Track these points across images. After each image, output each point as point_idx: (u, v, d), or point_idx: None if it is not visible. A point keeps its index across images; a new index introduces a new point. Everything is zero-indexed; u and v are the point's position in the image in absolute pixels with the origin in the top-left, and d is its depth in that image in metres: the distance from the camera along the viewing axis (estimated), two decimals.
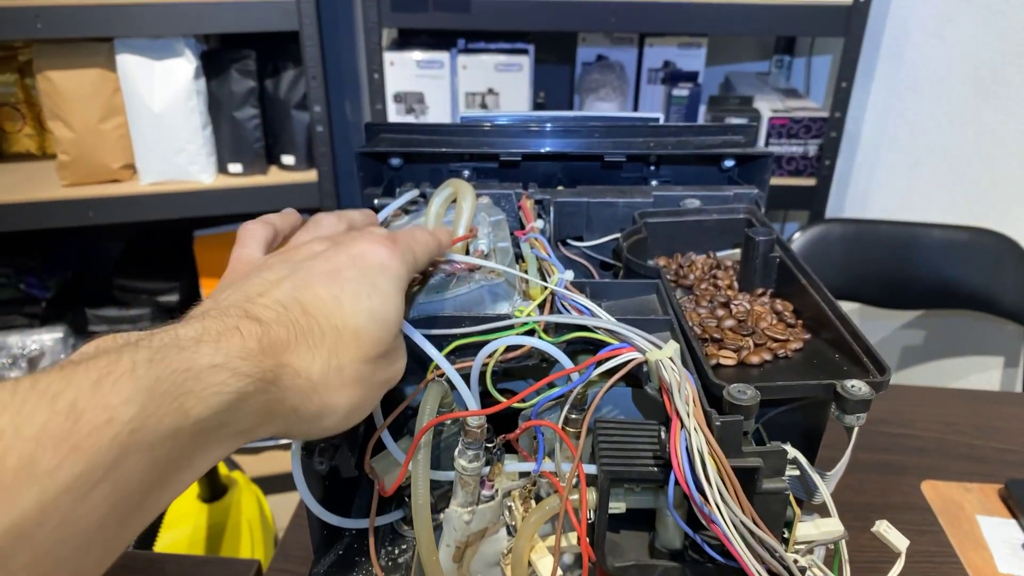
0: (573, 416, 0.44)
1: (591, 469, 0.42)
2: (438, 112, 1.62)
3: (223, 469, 1.36)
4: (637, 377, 0.45)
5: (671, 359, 0.41)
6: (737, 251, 0.61)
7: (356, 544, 0.46)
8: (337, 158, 1.71)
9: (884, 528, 0.41)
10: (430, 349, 0.42)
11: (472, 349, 0.45)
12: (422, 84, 1.62)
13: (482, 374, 0.45)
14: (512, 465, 0.45)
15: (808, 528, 0.42)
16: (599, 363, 0.43)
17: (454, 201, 0.56)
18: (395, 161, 0.64)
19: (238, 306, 0.35)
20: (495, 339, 0.44)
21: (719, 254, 0.61)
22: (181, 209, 1.63)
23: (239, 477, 1.37)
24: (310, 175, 1.67)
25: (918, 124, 1.63)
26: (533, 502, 0.45)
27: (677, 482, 0.38)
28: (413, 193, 0.59)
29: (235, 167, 1.65)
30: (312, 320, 0.35)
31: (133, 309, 1.87)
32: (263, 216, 0.47)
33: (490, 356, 0.44)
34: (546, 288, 0.48)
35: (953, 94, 1.57)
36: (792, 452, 0.43)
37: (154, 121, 1.56)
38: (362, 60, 1.85)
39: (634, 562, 0.43)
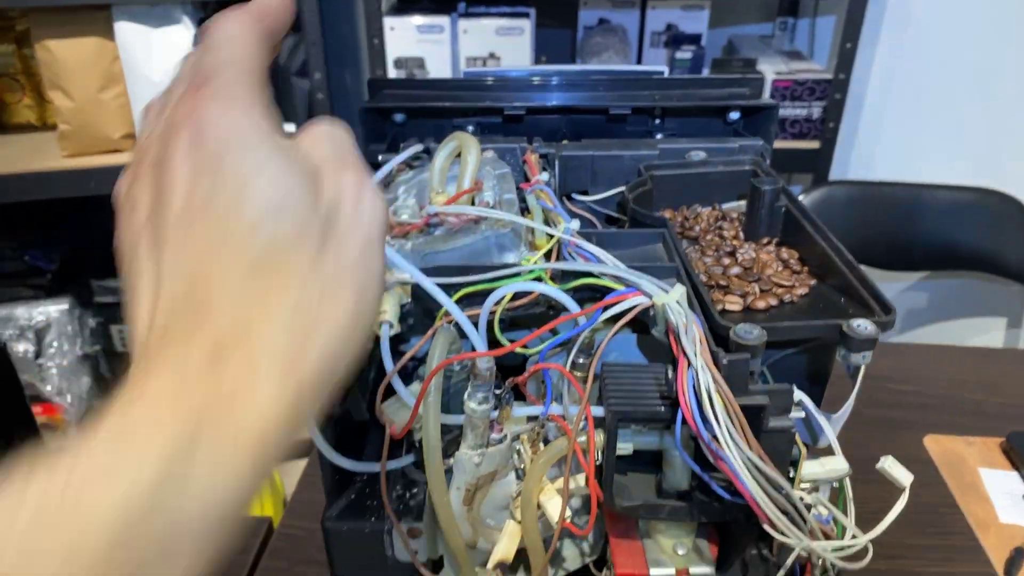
0: (580, 360, 0.44)
1: (598, 411, 0.43)
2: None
3: None
4: (643, 323, 0.46)
5: (678, 303, 0.42)
6: (742, 203, 0.61)
7: (368, 489, 0.46)
8: None
9: (889, 464, 0.41)
10: (439, 294, 0.42)
11: (479, 298, 0.45)
12: (423, 49, 1.61)
13: (490, 323, 0.45)
14: (520, 410, 0.45)
15: (813, 467, 0.42)
16: (606, 308, 0.43)
17: (458, 156, 0.56)
18: (399, 117, 0.64)
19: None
20: (502, 286, 0.44)
21: (724, 206, 0.61)
22: None
23: None
24: None
25: (924, 85, 1.62)
26: (542, 445, 0.45)
27: (684, 421, 0.39)
28: (416, 148, 0.59)
29: None
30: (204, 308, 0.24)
31: None
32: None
33: (497, 303, 0.44)
34: (552, 237, 0.48)
35: (959, 55, 1.56)
36: (798, 394, 0.44)
37: (153, 89, 1.51)
38: (361, 26, 1.84)
39: (642, 502, 0.44)
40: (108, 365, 1.97)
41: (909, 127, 1.65)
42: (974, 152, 1.51)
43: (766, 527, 0.41)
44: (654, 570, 0.45)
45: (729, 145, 0.62)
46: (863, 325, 0.40)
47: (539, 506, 0.45)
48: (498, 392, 0.44)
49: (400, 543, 0.45)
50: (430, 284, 0.42)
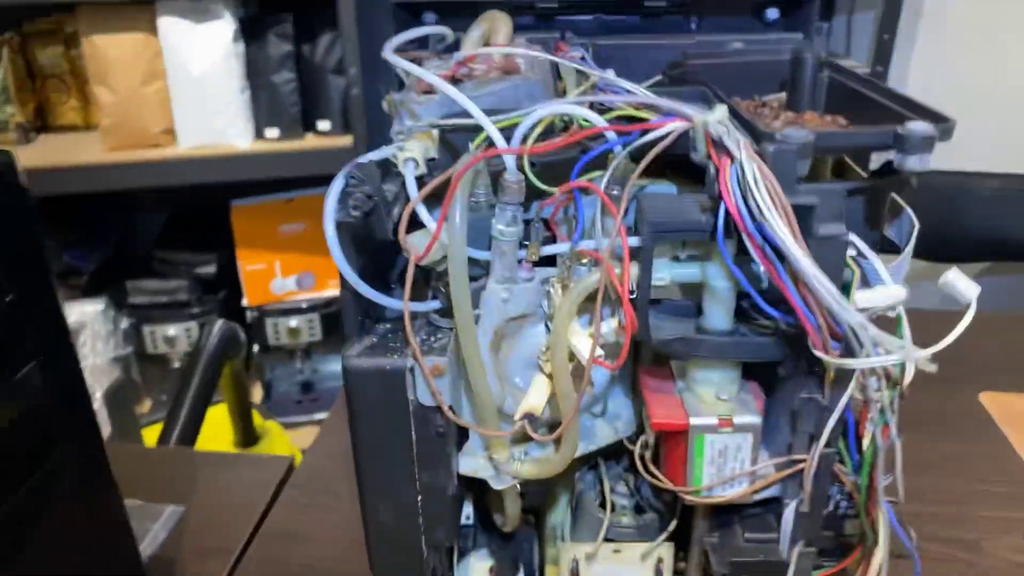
0: (614, 192, 0.42)
1: (634, 241, 0.40)
2: None
3: (258, 419, 1.35)
4: (680, 166, 0.43)
5: (719, 121, 0.39)
6: (783, 94, 0.59)
7: (390, 335, 0.44)
8: (372, 123, 1.72)
9: (952, 275, 0.38)
10: (467, 103, 0.40)
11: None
12: None
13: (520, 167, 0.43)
14: (549, 247, 0.43)
15: (869, 293, 0.39)
16: (645, 132, 0.41)
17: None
18: (429, 17, 0.63)
19: None
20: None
21: (765, 98, 0.59)
22: (219, 173, 1.64)
23: (273, 427, 1.36)
24: (345, 140, 1.67)
25: (965, 74, 1.59)
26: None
27: (728, 224, 0.36)
28: (443, 29, 0.57)
29: (272, 132, 1.66)
30: None
31: (172, 281, 1.89)
32: None
33: (530, 131, 0.42)
34: (588, 80, 0.46)
35: (1000, 40, 1.53)
36: (852, 237, 0.41)
37: (193, 84, 1.59)
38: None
39: (680, 335, 0.41)
40: (139, 368, 1.97)
41: (951, 114, 1.61)
42: (1020, 140, 1.47)
43: (818, 353, 0.38)
44: (694, 419, 0.41)
45: (768, 37, 0.60)
46: (918, 125, 0.37)
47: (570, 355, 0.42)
48: (528, 220, 0.42)
49: (423, 384, 0.42)
50: (455, 92, 0.40)
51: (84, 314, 1.88)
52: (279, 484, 0.76)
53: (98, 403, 1.78)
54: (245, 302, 1.89)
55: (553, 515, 0.56)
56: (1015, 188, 1.46)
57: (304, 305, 1.92)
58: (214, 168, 1.64)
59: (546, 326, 0.46)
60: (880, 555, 0.44)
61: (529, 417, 0.44)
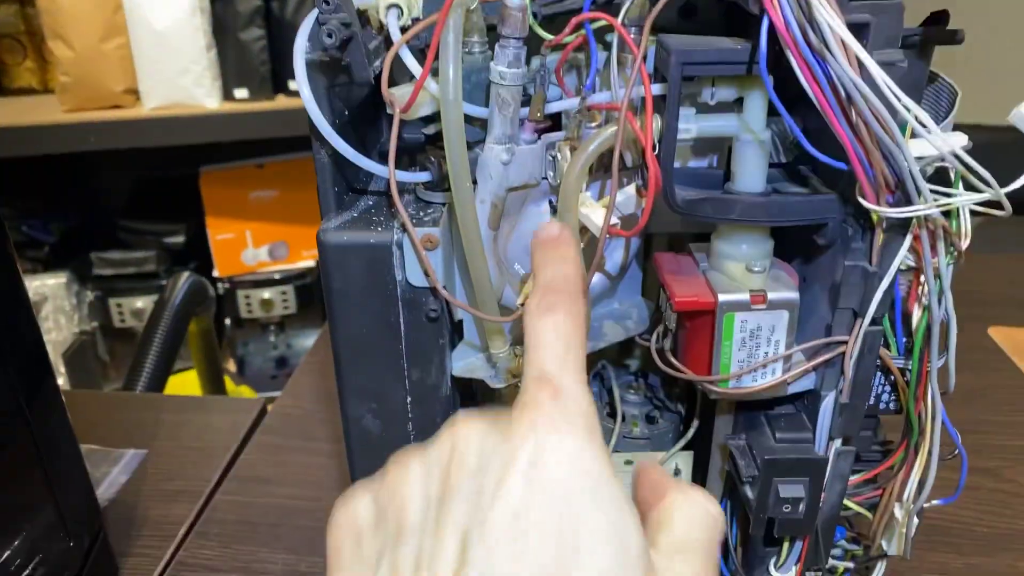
0: (632, 35, 0.36)
1: (656, 90, 0.35)
2: None
3: (230, 385, 1.29)
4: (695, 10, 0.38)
5: None
6: None
7: (373, 210, 0.38)
8: None
9: None
10: None
11: None
12: None
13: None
14: (555, 104, 0.37)
15: (927, 139, 0.34)
16: None
17: None
18: None
19: None
20: None
21: None
22: (186, 135, 1.57)
23: (245, 391, 1.30)
24: None
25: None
26: None
27: (770, 56, 0.31)
28: None
29: (241, 92, 1.59)
30: None
31: (138, 251, 1.81)
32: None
33: None
34: None
35: None
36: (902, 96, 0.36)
37: (157, 40, 1.51)
38: None
39: (709, 195, 0.36)
40: (106, 343, 1.89)
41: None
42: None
43: (870, 205, 0.33)
44: (723, 295, 0.36)
45: None
46: None
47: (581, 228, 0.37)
48: (530, 71, 0.36)
49: (413, 261, 0.36)
50: None
51: (46, 287, 1.80)
52: (250, 428, 0.70)
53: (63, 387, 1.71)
54: (215, 273, 1.81)
55: None
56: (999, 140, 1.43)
57: (277, 276, 1.85)
58: (181, 129, 1.57)
59: (550, 204, 0.41)
60: (927, 453, 0.39)
61: None
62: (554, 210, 0.40)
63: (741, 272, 0.37)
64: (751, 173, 0.36)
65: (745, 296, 0.36)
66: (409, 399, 0.40)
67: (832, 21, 0.30)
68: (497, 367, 0.41)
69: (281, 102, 1.61)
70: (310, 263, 1.86)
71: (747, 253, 0.37)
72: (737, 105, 0.36)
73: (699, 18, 0.39)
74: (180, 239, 1.83)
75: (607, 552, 0.21)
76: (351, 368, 0.39)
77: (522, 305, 0.38)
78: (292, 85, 1.62)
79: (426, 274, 0.36)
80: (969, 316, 0.86)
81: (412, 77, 0.36)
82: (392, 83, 0.36)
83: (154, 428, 0.68)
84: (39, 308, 1.83)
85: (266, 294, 1.85)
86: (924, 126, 0.30)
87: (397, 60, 0.36)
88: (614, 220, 0.36)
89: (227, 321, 1.87)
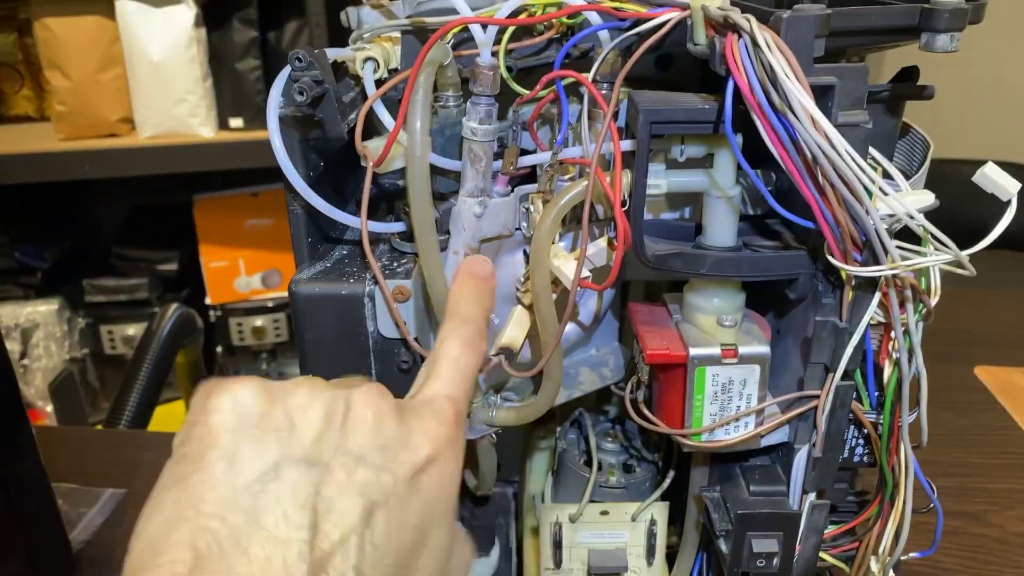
0: (603, 91, 0.37)
1: (626, 146, 0.35)
2: None
3: None
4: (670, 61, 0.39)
5: (719, 7, 0.35)
6: None
7: (346, 260, 0.38)
8: None
9: (990, 169, 0.33)
10: None
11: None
12: None
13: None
14: (528, 158, 0.38)
15: (896, 198, 0.34)
16: (637, 23, 0.36)
17: None
18: None
19: None
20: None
21: None
22: (181, 163, 1.57)
23: None
24: None
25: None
26: None
27: (735, 116, 0.31)
28: None
29: (236, 121, 1.60)
30: None
31: (131, 279, 1.81)
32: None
33: (502, 34, 0.37)
34: None
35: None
36: (873, 152, 0.36)
37: (153, 70, 1.52)
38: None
39: (679, 250, 0.36)
40: (96, 371, 1.88)
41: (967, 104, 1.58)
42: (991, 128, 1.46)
43: (838, 263, 0.33)
44: (694, 349, 0.36)
45: None
46: None
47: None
48: (504, 123, 0.36)
49: (385, 312, 0.36)
50: None
51: (37, 314, 1.79)
52: None
53: (44, 399, 1.69)
54: (208, 300, 1.81)
55: (532, 480, 0.50)
56: None
57: (270, 304, 1.85)
58: (176, 158, 1.58)
59: (524, 254, 0.41)
60: (901, 507, 0.39)
61: (505, 352, 0.38)
62: (528, 260, 0.40)
63: (712, 325, 0.37)
64: (721, 228, 0.36)
65: (716, 350, 0.36)
66: None
67: (795, 86, 0.30)
68: (471, 418, 0.41)
69: None
70: None
71: (718, 307, 0.37)
72: (707, 160, 0.36)
73: (674, 68, 0.39)
74: (173, 266, 1.83)
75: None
76: None
77: (495, 355, 0.38)
78: None
79: (397, 326, 0.36)
80: (957, 355, 0.87)
81: (388, 129, 0.36)
82: (369, 135, 0.37)
83: (134, 467, 0.68)
84: (30, 335, 1.82)
85: (258, 322, 1.85)
86: (885, 193, 0.30)
87: (373, 112, 0.36)
88: (586, 272, 0.36)
89: (219, 348, 1.87)
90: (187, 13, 1.51)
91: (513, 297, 0.40)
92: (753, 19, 0.31)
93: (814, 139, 0.30)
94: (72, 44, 1.50)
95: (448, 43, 0.36)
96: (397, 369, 0.38)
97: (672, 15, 0.36)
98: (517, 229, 0.39)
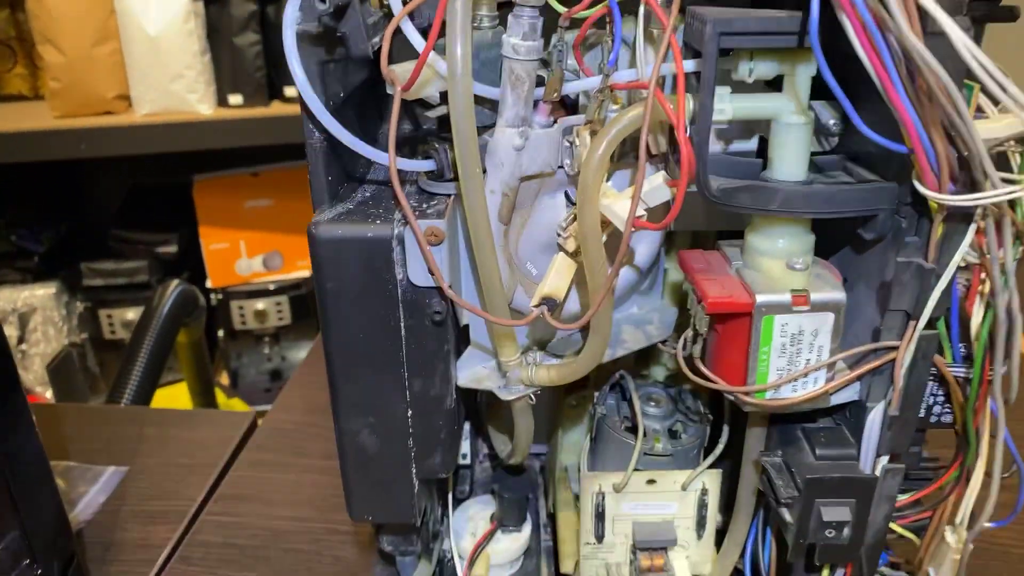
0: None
1: (689, 66, 0.31)
2: None
3: (221, 398, 1.25)
4: None
5: None
6: None
7: (371, 201, 0.35)
8: None
9: None
10: None
11: None
12: None
13: None
14: (574, 84, 0.34)
15: (988, 123, 0.30)
16: None
17: None
18: None
19: None
20: None
21: None
22: (179, 142, 1.53)
23: (237, 404, 1.26)
24: None
25: None
26: None
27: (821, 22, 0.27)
28: None
29: (235, 98, 1.56)
30: None
31: (130, 261, 1.77)
32: None
33: None
34: None
35: None
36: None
37: (150, 45, 1.47)
38: None
39: (747, 183, 0.32)
40: (96, 355, 1.85)
41: None
42: None
43: (930, 193, 0.29)
44: (761, 296, 0.33)
45: None
46: None
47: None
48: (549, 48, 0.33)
49: (416, 257, 0.33)
50: None
51: (35, 298, 1.76)
52: (239, 443, 0.66)
53: (43, 384, 1.66)
54: (209, 284, 1.77)
55: (564, 450, 0.47)
56: None
57: (272, 287, 1.81)
58: (174, 136, 1.53)
59: (566, 195, 0.37)
60: (983, 471, 0.35)
61: (548, 303, 0.34)
62: (571, 202, 0.37)
63: (780, 270, 0.34)
64: (792, 159, 0.32)
65: (786, 297, 0.33)
66: (410, 412, 0.36)
67: None
68: (508, 376, 0.37)
69: (276, 108, 1.58)
70: (305, 273, 1.82)
71: (786, 248, 0.34)
72: (774, 85, 0.32)
73: None
74: (173, 249, 1.79)
75: None
76: (346, 378, 0.36)
77: (536, 307, 0.34)
78: (288, 91, 1.58)
79: (431, 272, 0.32)
80: None
81: (415, 55, 0.32)
82: (392, 62, 0.33)
83: (137, 443, 0.64)
84: (27, 320, 1.78)
85: (260, 305, 1.81)
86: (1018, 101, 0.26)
87: (398, 37, 0.32)
88: (639, 212, 0.32)
89: (220, 333, 1.83)
90: None
91: (553, 245, 0.36)
92: None
93: (915, 44, 0.26)
94: (66, 18, 1.46)
95: None
96: (429, 321, 0.34)
97: None
98: (560, 167, 0.35)
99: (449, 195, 0.35)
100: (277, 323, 1.84)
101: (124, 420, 0.69)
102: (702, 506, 0.41)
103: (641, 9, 0.32)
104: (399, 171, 0.33)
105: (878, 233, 0.33)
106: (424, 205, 0.34)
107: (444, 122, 0.34)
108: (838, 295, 0.33)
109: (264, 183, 1.75)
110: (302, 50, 0.31)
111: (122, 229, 1.79)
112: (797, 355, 0.34)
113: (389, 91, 0.32)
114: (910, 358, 0.33)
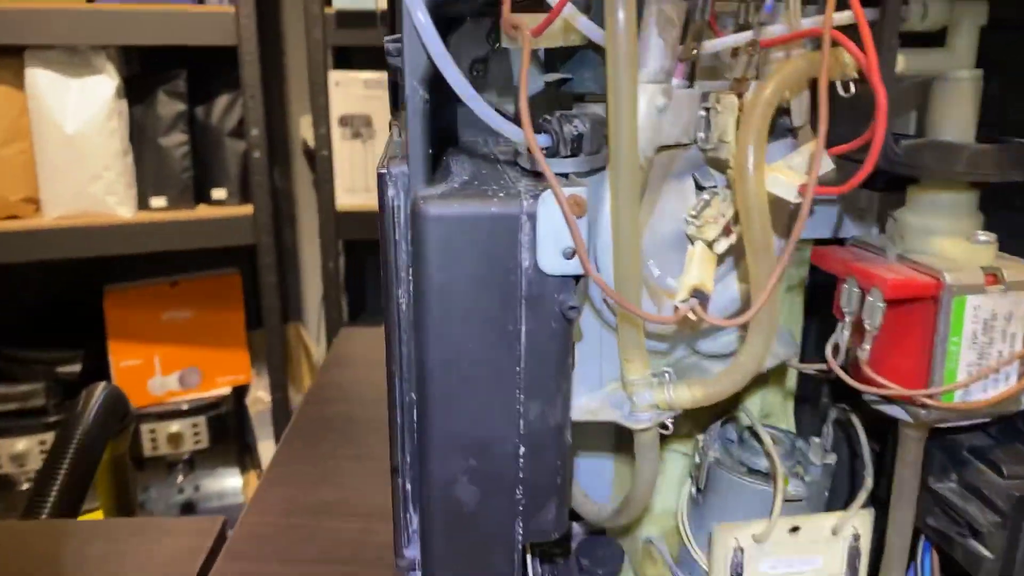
0: None
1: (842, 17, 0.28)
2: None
3: None
4: None
5: None
6: None
7: (475, 183, 0.28)
8: (278, 197, 1.56)
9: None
10: None
11: None
12: (370, 106, 1.52)
13: None
14: (719, 40, 0.29)
15: None
16: None
17: None
18: None
19: None
20: None
21: None
22: (93, 246, 1.41)
23: None
24: (244, 209, 1.50)
25: None
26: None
27: None
28: None
29: (158, 201, 1.46)
30: None
31: (23, 384, 1.58)
32: None
33: None
34: None
35: None
36: None
37: (66, 144, 1.38)
38: (294, 82, 1.76)
39: (930, 140, 0.28)
40: None
41: None
42: None
43: None
44: (951, 275, 0.28)
45: None
46: None
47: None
48: None
49: (546, 237, 0.26)
50: None
51: None
52: (210, 553, 0.54)
53: None
54: None
55: (650, 518, 0.39)
56: None
57: (186, 407, 1.65)
58: (86, 241, 1.41)
59: (696, 182, 0.32)
60: None
61: (699, 295, 0.28)
62: (699, 187, 0.31)
63: (961, 247, 0.29)
64: (961, 121, 0.29)
65: (977, 275, 0.28)
66: (522, 449, 0.29)
67: None
68: (634, 400, 0.30)
69: (203, 212, 1.49)
70: (225, 390, 1.67)
71: (962, 226, 0.29)
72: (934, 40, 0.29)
73: None
74: (76, 368, 1.61)
75: None
76: (447, 406, 0.28)
77: (684, 302, 0.28)
78: (215, 194, 1.50)
79: (576, 251, 0.26)
80: None
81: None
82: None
83: (81, 564, 0.51)
84: None
85: (175, 427, 1.64)
86: None
87: None
88: (797, 185, 0.27)
89: (127, 460, 1.63)
90: (108, 84, 1.39)
91: (681, 239, 0.31)
92: None
93: None
94: None
95: None
96: (556, 322, 0.27)
97: None
98: (695, 140, 0.30)
99: (565, 174, 0.29)
100: (193, 447, 1.67)
101: (56, 536, 0.55)
102: (854, 556, 0.34)
103: None
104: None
105: None
106: (536, 185, 0.28)
107: (558, 85, 0.29)
108: None
109: (184, 293, 1.63)
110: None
111: (15, 347, 1.61)
112: (989, 345, 0.29)
113: (507, 45, 0.27)
114: None
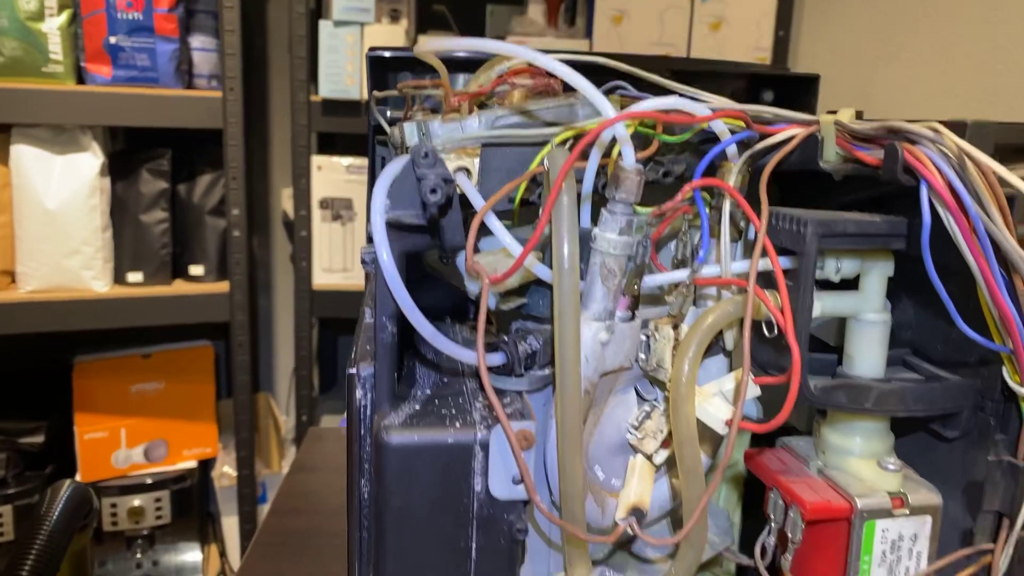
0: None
1: (786, 263, 0.31)
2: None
3: None
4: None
5: (850, 119, 0.33)
6: None
7: (437, 400, 0.31)
8: (255, 267, 1.58)
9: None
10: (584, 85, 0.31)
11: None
12: (351, 189, 1.56)
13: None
14: (655, 277, 0.33)
15: None
16: (762, 137, 0.33)
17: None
18: (404, 75, 0.55)
19: None
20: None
21: None
22: (65, 320, 1.41)
23: None
24: (221, 286, 1.51)
25: None
26: (684, 330, 0.32)
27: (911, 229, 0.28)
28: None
29: (135, 276, 1.48)
30: None
31: None
32: None
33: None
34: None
35: None
36: None
37: (47, 219, 1.39)
38: (277, 163, 1.79)
39: (842, 382, 0.31)
40: None
41: None
42: None
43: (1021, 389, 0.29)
44: (862, 500, 0.31)
45: None
46: None
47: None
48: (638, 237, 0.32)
49: (498, 467, 0.29)
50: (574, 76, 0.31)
51: None
52: None
53: None
54: (78, 478, 1.57)
55: None
56: None
57: (149, 481, 1.63)
58: (58, 315, 1.41)
59: (636, 392, 0.35)
60: None
61: (636, 514, 0.31)
62: (641, 398, 0.34)
63: (871, 470, 0.32)
64: (871, 357, 0.32)
65: (885, 500, 0.31)
66: None
67: (990, 197, 0.27)
68: None
69: (179, 287, 1.50)
70: (191, 464, 1.66)
71: (876, 448, 0.32)
72: (853, 283, 0.33)
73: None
74: (39, 439, 1.59)
75: None
76: None
77: (623, 520, 0.31)
78: (193, 270, 1.52)
79: (522, 480, 0.29)
80: None
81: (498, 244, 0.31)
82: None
83: None
84: None
85: (136, 501, 1.62)
86: None
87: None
88: (724, 419, 0.31)
89: (88, 551, 1.60)
90: (92, 162, 1.42)
91: (624, 445, 0.34)
92: (940, 126, 0.29)
93: (1014, 246, 0.27)
94: None
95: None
96: (504, 540, 0.30)
97: (798, 130, 0.33)
98: (635, 362, 0.33)
99: (520, 391, 0.32)
100: (154, 522, 1.64)
101: None
102: None
103: (726, 205, 0.32)
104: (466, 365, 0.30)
105: (962, 430, 0.32)
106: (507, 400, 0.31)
107: (516, 311, 0.32)
108: (935, 498, 0.32)
109: (156, 365, 1.63)
110: (390, 236, 0.28)
111: None
112: (897, 563, 0.32)
113: (469, 287, 0.30)
114: (1007, 561, 0.32)
